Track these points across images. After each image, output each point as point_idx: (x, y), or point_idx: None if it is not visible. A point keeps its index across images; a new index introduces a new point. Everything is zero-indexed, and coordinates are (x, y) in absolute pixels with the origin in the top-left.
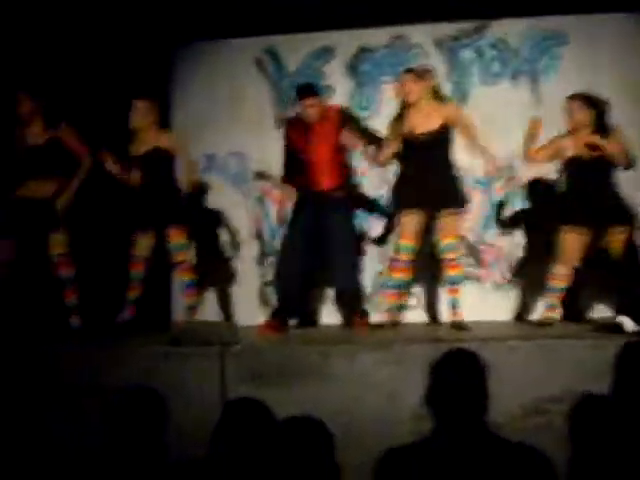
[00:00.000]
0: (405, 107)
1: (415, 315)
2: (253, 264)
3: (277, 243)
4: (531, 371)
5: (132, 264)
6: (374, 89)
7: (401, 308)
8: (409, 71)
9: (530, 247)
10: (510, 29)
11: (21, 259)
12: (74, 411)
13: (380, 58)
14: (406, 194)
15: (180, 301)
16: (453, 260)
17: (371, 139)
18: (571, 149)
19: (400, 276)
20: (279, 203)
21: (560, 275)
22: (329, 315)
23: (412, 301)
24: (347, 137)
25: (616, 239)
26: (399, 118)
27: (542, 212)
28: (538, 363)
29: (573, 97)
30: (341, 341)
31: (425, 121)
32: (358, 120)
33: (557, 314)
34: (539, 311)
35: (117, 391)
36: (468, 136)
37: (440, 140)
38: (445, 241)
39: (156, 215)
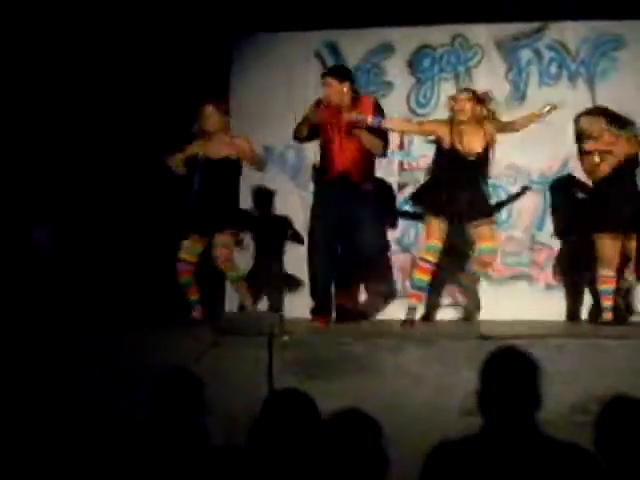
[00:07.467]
0: (453, 121)
1: (451, 313)
2: (304, 258)
3: None
4: (580, 370)
5: (181, 271)
6: (433, 86)
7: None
8: (468, 90)
9: (578, 249)
10: (568, 32)
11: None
12: (121, 394)
13: (440, 56)
14: (436, 201)
15: (234, 294)
16: (488, 265)
17: (376, 143)
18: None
19: (425, 278)
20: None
21: (607, 277)
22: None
23: (447, 300)
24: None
25: None
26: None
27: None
28: (587, 362)
29: None
30: (387, 335)
31: (471, 140)
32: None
33: (610, 316)
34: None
35: (160, 375)
36: None
37: (481, 161)
38: (484, 244)
39: (212, 220)
